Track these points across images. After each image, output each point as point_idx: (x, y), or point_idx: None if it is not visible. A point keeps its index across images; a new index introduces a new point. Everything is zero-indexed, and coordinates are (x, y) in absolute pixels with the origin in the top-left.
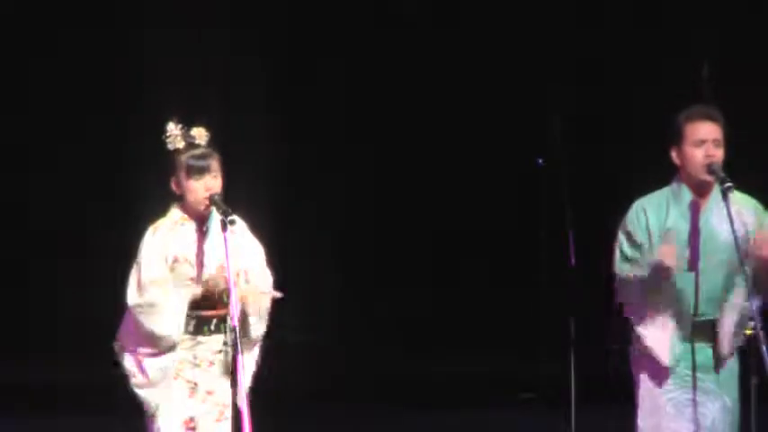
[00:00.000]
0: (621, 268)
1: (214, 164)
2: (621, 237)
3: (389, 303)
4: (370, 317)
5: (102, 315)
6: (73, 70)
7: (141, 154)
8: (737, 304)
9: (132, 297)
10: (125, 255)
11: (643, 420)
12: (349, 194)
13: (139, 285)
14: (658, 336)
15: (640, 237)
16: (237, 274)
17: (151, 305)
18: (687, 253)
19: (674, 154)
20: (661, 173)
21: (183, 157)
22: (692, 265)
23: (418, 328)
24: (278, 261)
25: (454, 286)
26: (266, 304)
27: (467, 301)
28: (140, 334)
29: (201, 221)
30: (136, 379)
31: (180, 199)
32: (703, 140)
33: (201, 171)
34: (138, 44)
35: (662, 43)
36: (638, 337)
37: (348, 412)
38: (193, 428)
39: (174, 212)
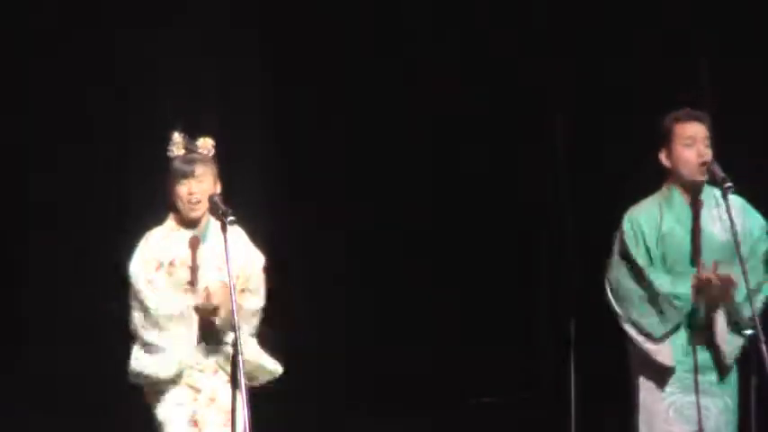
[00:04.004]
0: (622, 283)
1: (199, 168)
2: (618, 254)
3: (389, 303)
4: (370, 316)
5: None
6: (73, 70)
7: (143, 155)
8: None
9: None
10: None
11: (643, 425)
12: (349, 194)
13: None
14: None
15: (635, 252)
16: (238, 277)
17: (142, 300)
18: (687, 254)
19: (663, 156)
20: (660, 173)
21: (174, 163)
22: (695, 265)
23: (418, 327)
24: (278, 261)
25: (454, 286)
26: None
27: (466, 301)
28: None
29: (195, 229)
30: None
31: (174, 207)
32: (694, 139)
33: (186, 175)
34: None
35: (662, 43)
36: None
37: (347, 412)
38: (198, 427)
39: (169, 222)
